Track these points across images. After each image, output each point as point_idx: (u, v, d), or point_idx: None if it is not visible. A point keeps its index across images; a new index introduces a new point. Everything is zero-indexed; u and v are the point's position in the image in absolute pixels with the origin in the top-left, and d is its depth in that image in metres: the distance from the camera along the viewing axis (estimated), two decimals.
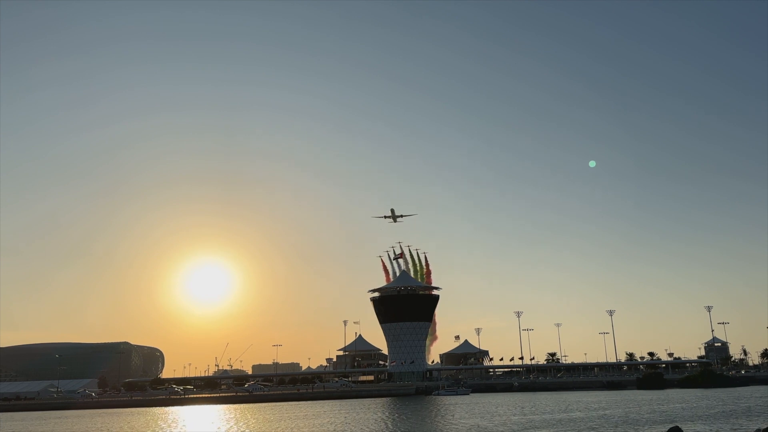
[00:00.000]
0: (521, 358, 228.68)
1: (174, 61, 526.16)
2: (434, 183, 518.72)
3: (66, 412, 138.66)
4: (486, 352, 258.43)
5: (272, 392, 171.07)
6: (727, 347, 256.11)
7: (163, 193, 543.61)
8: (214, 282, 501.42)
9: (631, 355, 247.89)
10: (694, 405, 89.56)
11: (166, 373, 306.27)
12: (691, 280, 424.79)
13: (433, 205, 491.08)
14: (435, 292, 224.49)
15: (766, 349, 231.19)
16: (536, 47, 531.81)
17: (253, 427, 78.04)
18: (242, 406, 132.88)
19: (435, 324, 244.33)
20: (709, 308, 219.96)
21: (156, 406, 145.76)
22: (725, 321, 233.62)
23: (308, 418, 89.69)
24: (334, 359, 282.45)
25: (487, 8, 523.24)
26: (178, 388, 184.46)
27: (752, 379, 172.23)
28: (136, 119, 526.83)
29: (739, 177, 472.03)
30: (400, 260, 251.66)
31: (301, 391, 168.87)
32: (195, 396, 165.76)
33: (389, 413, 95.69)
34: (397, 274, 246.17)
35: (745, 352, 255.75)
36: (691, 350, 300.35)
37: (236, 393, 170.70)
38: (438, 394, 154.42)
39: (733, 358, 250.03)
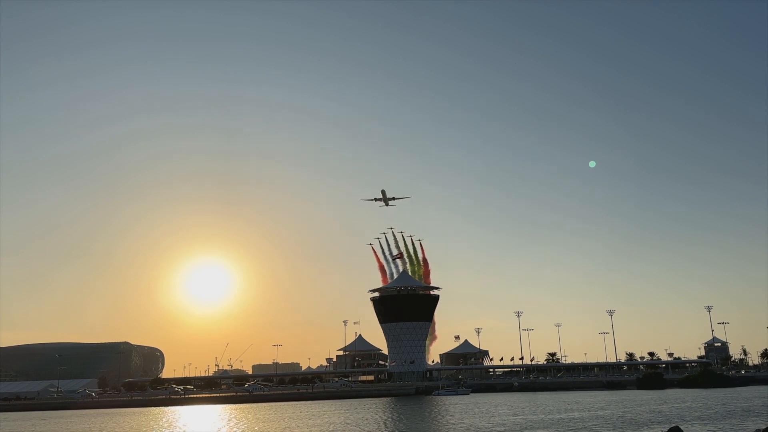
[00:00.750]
0: (521, 358, 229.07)
1: (174, 61, 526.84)
2: (434, 184, 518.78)
3: (66, 412, 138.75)
4: (486, 352, 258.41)
5: (272, 392, 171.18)
6: (727, 347, 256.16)
7: (163, 193, 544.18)
8: (214, 282, 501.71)
9: (631, 355, 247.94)
10: (694, 405, 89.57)
11: (166, 373, 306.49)
12: (691, 280, 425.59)
13: (434, 206, 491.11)
14: (435, 292, 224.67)
15: (766, 349, 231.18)
16: (536, 47, 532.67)
17: (253, 427, 78.06)
18: (242, 406, 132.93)
19: (434, 324, 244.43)
20: (709, 308, 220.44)
21: (156, 406, 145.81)
22: (725, 321, 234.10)
23: (308, 418, 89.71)
24: (334, 359, 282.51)
25: (487, 8, 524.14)
26: (178, 388, 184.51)
27: (752, 379, 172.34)
28: (136, 119, 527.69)
29: (739, 177, 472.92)
30: (398, 260, 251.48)
31: (301, 391, 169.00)
32: (195, 396, 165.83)
33: (389, 413, 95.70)
34: (395, 275, 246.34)
35: (745, 352, 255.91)
36: (691, 350, 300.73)
37: (236, 393, 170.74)
38: (438, 394, 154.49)
39: (733, 358, 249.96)
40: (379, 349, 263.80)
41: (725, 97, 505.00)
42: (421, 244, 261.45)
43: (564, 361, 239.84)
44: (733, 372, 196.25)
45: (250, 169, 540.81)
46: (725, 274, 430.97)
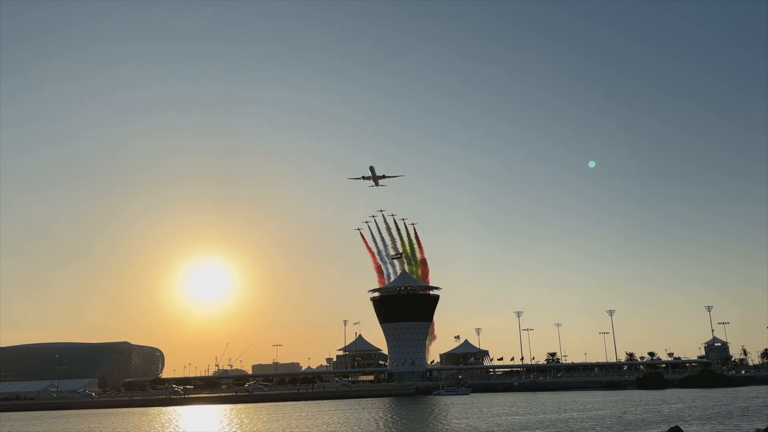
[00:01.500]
0: (521, 358, 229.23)
1: (174, 61, 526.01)
2: (435, 182, 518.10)
3: (66, 412, 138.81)
4: (486, 352, 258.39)
5: (272, 392, 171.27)
6: (727, 347, 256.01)
7: (163, 193, 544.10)
8: (214, 282, 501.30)
9: (631, 355, 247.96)
10: (694, 405, 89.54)
11: (166, 373, 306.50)
12: (691, 280, 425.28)
13: (433, 203, 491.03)
14: (435, 292, 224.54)
15: (766, 349, 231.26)
16: (536, 47, 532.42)
17: (253, 427, 78.04)
18: (242, 406, 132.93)
19: (432, 324, 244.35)
20: (709, 308, 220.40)
21: (156, 406, 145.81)
22: (725, 321, 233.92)
23: (308, 418, 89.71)
24: (334, 359, 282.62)
25: (487, 8, 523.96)
26: (178, 388, 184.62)
27: (752, 379, 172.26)
28: (136, 119, 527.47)
29: (739, 177, 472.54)
30: (395, 261, 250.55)
31: (301, 391, 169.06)
32: (195, 396, 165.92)
33: (389, 413, 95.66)
34: (391, 274, 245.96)
35: (745, 352, 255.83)
36: (691, 350, 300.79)
37: (236, 393, 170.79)
38: (438, 394, 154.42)
39: (733, 358, 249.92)
40: (379, 349, 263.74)
41: (725, 97, 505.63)
42: (414, 229, 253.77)
43: (564, 361, 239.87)
44: (733, 372, 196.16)
45: (250, 169, 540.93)
46: (725, 274, 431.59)
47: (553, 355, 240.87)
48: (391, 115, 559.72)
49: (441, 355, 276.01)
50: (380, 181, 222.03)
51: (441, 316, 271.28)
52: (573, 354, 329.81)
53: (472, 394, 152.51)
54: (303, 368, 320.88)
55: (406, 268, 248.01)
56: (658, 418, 68.99)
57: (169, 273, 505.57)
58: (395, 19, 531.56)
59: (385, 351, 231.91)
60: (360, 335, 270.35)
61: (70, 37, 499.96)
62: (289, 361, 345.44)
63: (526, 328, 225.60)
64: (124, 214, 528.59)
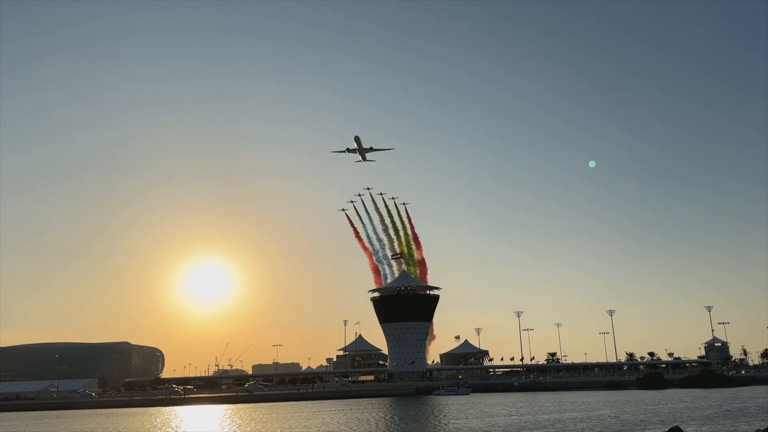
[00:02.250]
0: (521, 358, 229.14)
1: (174, 60, 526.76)
2: (434, 183, 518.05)
3: (66, 412, 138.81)
4: (486, 352, 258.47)
5: (272, 392, 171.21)
6: (727, 347, 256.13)
7: (163, 192, 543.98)
8: (214, 282, 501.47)
9: (631, 355, 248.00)
10: (694, 405, 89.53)
11: (166, 373, 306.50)
12: (691, 280, 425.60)
13: (433, 202, 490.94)
14: (435, 292, 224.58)
15: (766, 349, 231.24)
16: (536, 47, 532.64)
17: (253, 427, 78.04)
18: (242, 406, 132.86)
19: (432, 324, 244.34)
20: (709, 308, 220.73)
21: (156, 406, 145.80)
22: (725, 321, 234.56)
23: (308, 418, 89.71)
24: (334, 359, 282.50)
25: (488, 8, 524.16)
26: (179, 388, 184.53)
27: (752, 379, 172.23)
28: (136, 119, 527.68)
29: (739, 177, 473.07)
30: (393, 261, 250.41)
31: (301, 391, 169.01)
32: (195, 396, 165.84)
33: (389, 413, 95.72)
34: (387, 274, 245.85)
35: (745, 352, 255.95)
36: (691, 350, 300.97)
37: (236, 393, 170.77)
38: (438, 394, 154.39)
39: (733, 358, 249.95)
40: (379, 349, 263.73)
41: (725, 97, 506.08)
42: (406, 209, 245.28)
43: (564, 361, 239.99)
44: (733, 372, 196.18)
45: (250, 169, 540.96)
46: (725, 274, 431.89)
47: (553, 355, 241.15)
48: (390, 114, 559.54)
49: (441, 355, 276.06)
50: (368, 155, 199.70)
51: (441, 316, 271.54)
52: (573, 354, 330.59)
53: (472, 394, 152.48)
54: (303, 368, 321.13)
55: (405, 268, 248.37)
56: (657, 419, 68.98)
57: (169, 273, 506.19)
58: (395, 20, 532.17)
59: (385, 351, 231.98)
60: (360, 335, 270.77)
61: (68, 36, 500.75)
62: (289, 361, 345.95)
63: (526, 328, 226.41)
64: (124, 214, 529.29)
